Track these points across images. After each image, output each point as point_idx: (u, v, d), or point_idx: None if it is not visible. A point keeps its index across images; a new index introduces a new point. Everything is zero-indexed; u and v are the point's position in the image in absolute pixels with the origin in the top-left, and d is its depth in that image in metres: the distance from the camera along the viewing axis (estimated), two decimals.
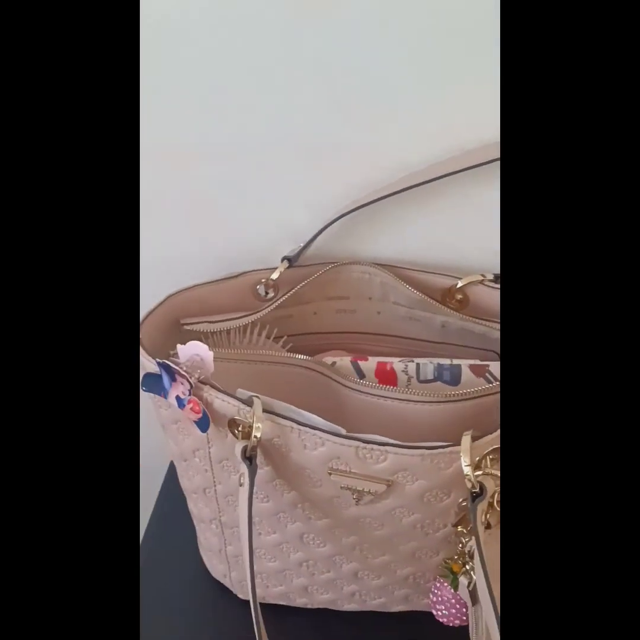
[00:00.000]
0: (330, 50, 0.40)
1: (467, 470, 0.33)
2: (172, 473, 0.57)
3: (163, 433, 0.42)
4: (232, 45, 0.41)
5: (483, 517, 0.35)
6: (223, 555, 0.45)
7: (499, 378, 0.41)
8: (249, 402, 0.36)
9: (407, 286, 0.43)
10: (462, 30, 0.39)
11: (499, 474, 0.34)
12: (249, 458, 0.35)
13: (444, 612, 0.40)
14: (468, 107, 0.41)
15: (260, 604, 0.47)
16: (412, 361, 0.42)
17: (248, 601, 0.48)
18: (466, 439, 0.34)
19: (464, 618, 0.40)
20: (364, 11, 0.39)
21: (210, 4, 0.39)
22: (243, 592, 0.47)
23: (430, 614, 0.43)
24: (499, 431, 0.34)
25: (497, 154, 0.41)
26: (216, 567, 0.47)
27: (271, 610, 0.46)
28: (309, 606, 0.46)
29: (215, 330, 0.43)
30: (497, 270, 0.44)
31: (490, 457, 0.35)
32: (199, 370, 0.37)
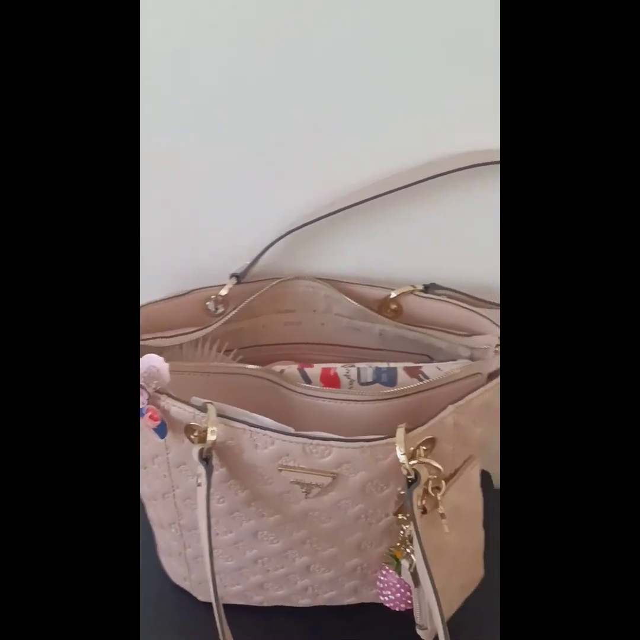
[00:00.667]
0: (277, 89, 0.44)
1: (402, 458, 0.37)
2: None
3: None
4: (188, 77, 0.44)
5: (419, 502, 0.38)
6: (183, 558, 0.48)
7: (430, 378, 0.45)
8: (203, 408, 0.39)
9: (348, 298, 0.47)
10: (410, 65, 0.44)
11: (433, 463, 0.38)
12: (205, 459, 0.38)
13: (390, 597, 0.44)
14: (395, 135, 0.46)
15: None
16: (353, 366, 0.46)
17: (209, 603, 0.50)
18: (400, 431, 0.38)
19: (409, 602, 0.43)
20: (310, 53, 0.43)
21: (189, 27, 0.43)
22: (203, 594, 0.49)
23: (379, 605, 0.46)
24: (428, 423, 0.38)
25: (427, 175, 0.45)
26: (176, 571, 0.50)
27: (230, 610, 0.48)
28: (265, 604, 0.49)
29: (169, 344, 0.46)
30: (425, 282, 0.48)
31: (423, 447, 0.39)
32: (155, 381, 0.39)
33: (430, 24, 0.42)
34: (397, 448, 0.37)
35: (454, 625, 0.40)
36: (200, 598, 0.50)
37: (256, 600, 0.48)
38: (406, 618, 0.44)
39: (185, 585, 0.50)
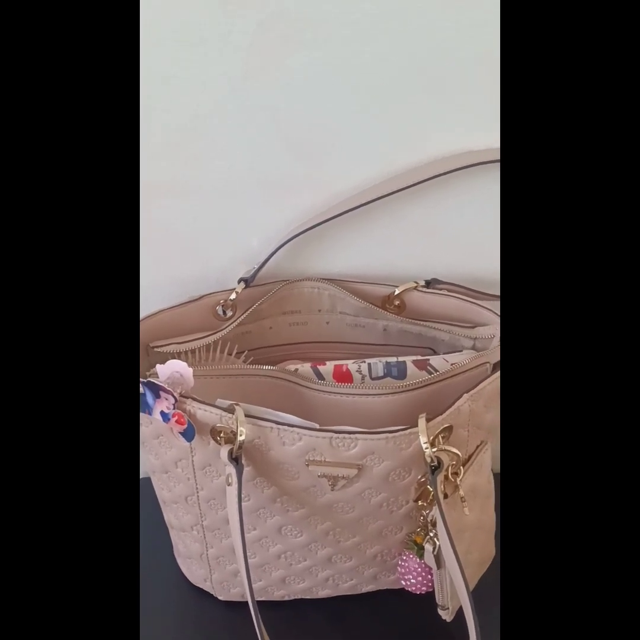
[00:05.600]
0: (276, 102, 0.46)
1: (426, 446, 0.39)
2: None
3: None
4: (192, 93, 0.45)
5: (442, 487, 0.40)
6: (204, 560, 0.49)
7: (438, 370, 0.47)
8: (230, 410, 0.40)
9: (353, 296, 0.49)
10: (387, 75, 0.45)
11: (452, 450, 0.40)
12: (235, 459, 0.39)
13: (412, 581, 0.46)
14: (391, 137, 0.48)
15: (240, 602, 0.51)
16: (364, 362, 0.48)
17: (228, 602, 0.51)
18: (422, 421, 0.39)
19: (430, 585, 0.45)
20: (304, 66, 0.45)
21: (187, 42, 0.44)
22: (224, 593, 0.50)
23: (396, 592, 0.48)
24: (447, 412, 0.40)
25: (418, 179, 0.47)
26: (196, 573, 0.50)
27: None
28: (286, 598, 0.50)
29: (182, 350, 0.47)
30: (426, 277, 0.50)
31: (441, 435, 0.41)
32: (180, 386, 0.40)
33: (428, 25, 0.44)
34: (420, 437, 0.39)
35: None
36: (221, 598, 0.51)
37: (277, 595, 0.50)
38: (421, 602, 0.46)
39: (205, 586, 0.51)
